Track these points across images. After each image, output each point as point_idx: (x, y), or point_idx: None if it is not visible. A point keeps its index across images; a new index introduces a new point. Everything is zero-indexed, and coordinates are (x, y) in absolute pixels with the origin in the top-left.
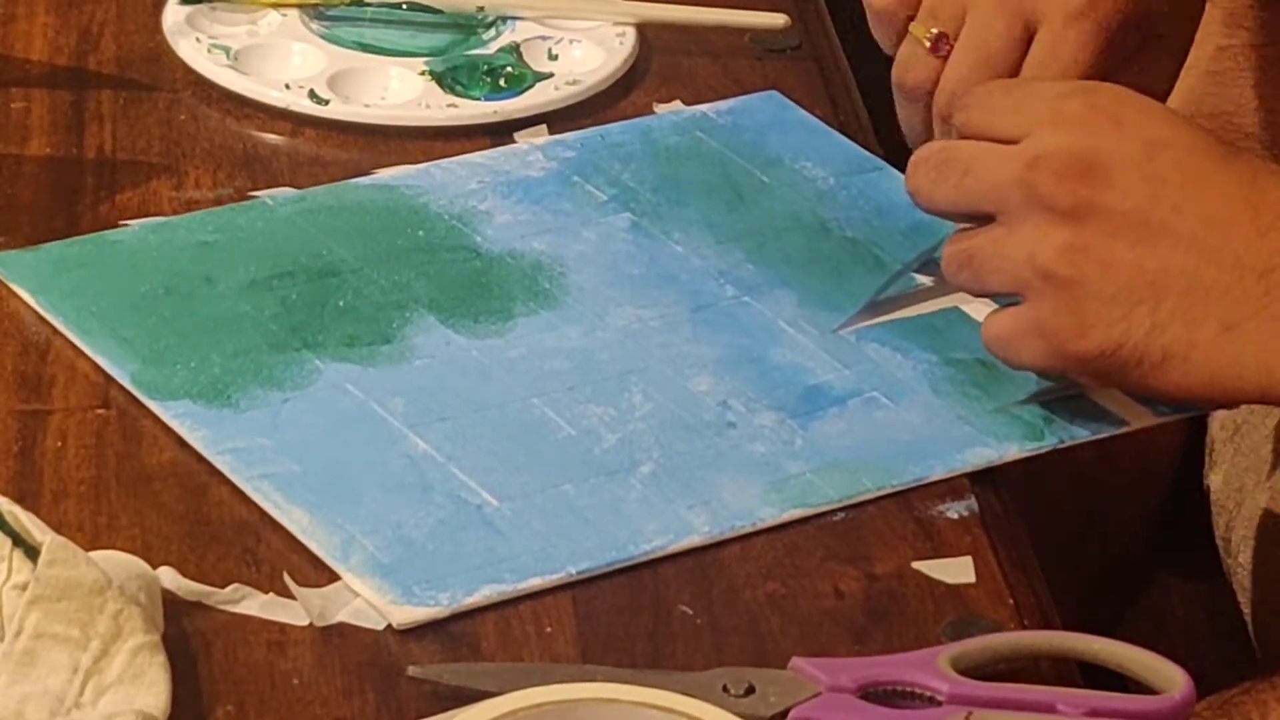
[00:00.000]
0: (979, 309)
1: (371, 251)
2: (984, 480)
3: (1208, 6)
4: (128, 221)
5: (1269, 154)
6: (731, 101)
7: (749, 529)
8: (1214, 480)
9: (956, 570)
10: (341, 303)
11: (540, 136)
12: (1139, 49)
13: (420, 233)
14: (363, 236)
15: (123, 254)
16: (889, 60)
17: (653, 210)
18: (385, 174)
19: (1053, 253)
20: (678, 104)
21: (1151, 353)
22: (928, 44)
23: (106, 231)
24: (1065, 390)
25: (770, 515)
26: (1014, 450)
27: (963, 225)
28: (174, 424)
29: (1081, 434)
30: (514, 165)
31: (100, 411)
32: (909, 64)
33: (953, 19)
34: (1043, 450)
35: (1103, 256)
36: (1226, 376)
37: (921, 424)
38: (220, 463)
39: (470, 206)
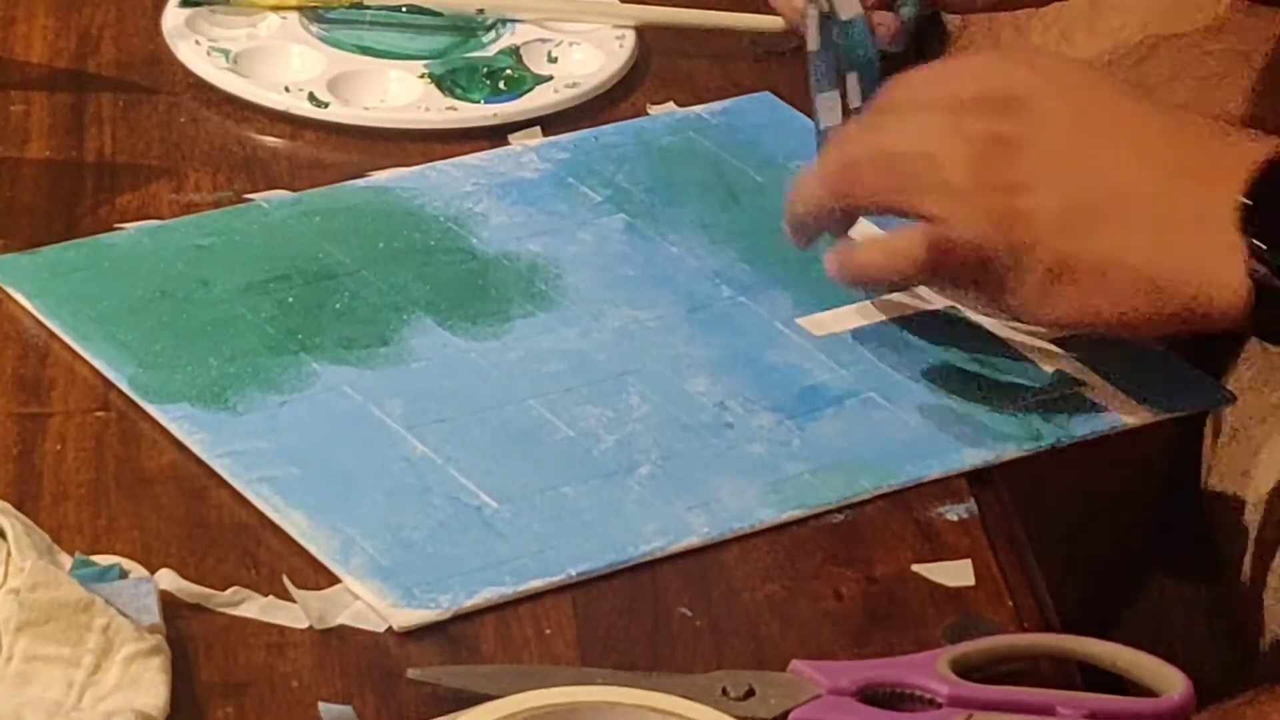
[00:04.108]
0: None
1: (367, 254)
2: (983, 483)
3: (1191, 12)
4: (123, 225)
5: None
6: (724, 102)
7: (748, 530)
8: (1210, 486)
9: (956, 573)
10: (338, 305)
11: (534, 138)
12: None
13: (416, 235)
14: (359, 239)
15: (119, 258)
16: (886, 60)
17: (647, 211)
18: (380, 176)
19: (987, 177)
20: (671, 105)
21: (1085, 263)
22: None
23: (102, 235)
24: (1062, 389)
25: (769, 516)
26: (1011, 450)
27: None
28: (172, 427)
29: (1079, 433)
30: (509, 167)
31: (99, 414)
32: None
33: None
34: (1040, 450)
35: (1035, 182)
36: (1160, 281)
37: (918, 424)
38: (219, 466)
39: (466, 208)
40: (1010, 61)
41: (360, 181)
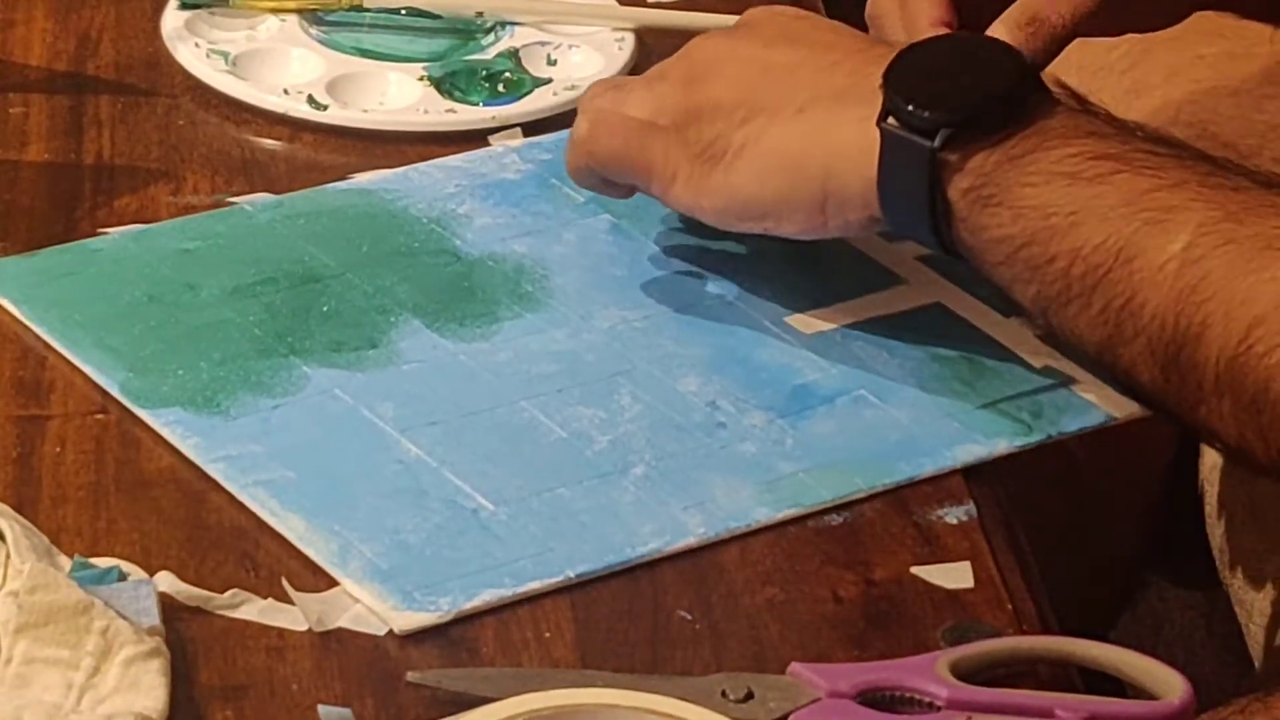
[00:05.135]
0: (963, 305)
1: (352, 256)
2: (982, 485)
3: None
4: (106, 230)
5: (1247, 164)
6: None
7: (744, 529)
8: (1209, 493)
9: (955, 575)
10: (326, 308)
11: (515, 139)
12: None
13: (400, 237)
14: (343, 241)
15: (104, 262)
16: None
17: (632, 211)
18: (363, 178)
19: (688, 89)
20: None
21: (732, 144)
22: None
23: (87, 240)
24: (1052, 385)
25: (765, 515)
26: (1003, 446)
27: None
28: (165, 432)
29: (1070, 428)
30: (490, 168)
31: (99, 417)
32: None
33: None
34: (1031, 445)
35: (723, 85)
36: (792, 157)
37: (910, 422)
38: (214, 470)
39: (449, 210)
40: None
41: (343, 184)
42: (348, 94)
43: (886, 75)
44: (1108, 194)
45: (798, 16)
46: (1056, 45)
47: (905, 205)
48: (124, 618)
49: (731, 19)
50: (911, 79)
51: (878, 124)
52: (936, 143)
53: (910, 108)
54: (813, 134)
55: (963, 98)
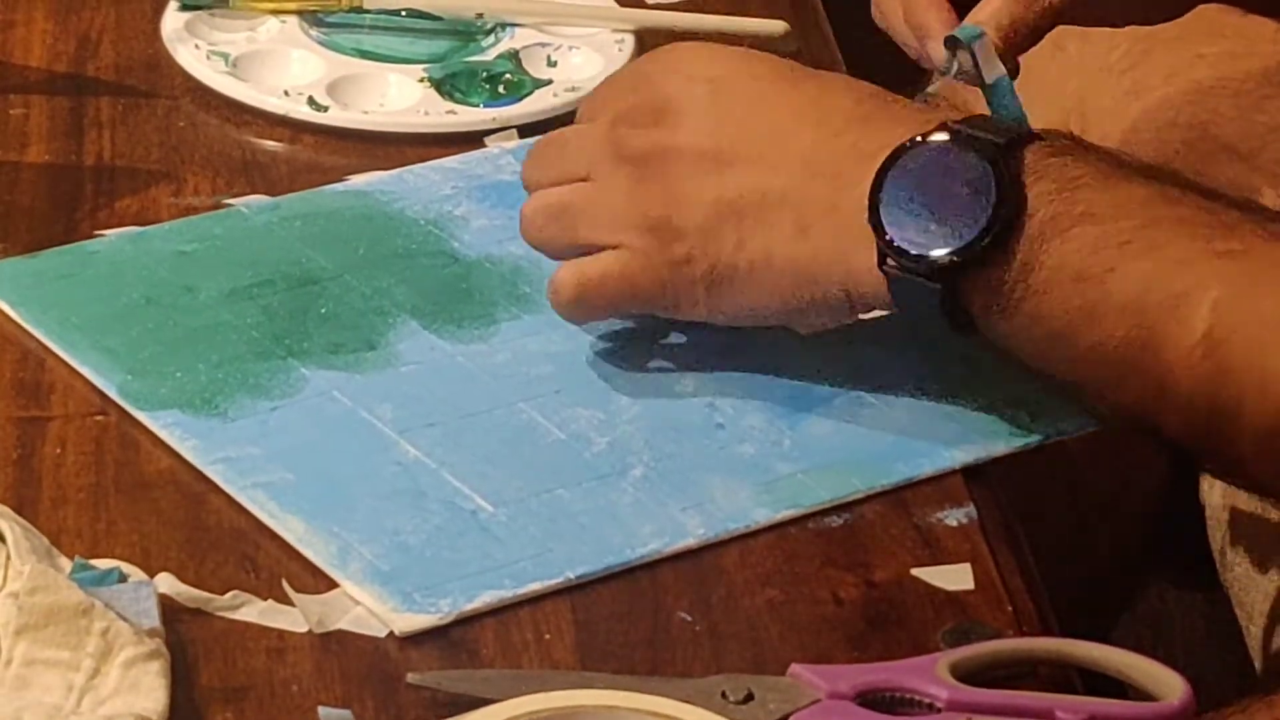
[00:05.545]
0: None
1: (349, 258)
2: (983, 487)
3: (1189, 15)
4: (103, 232)
5: (1246, 165)
6: None
7: (743, 530)
8: (1209, 496)
9: (955, 577)
10: (324, 310)
11: (510, 140)
12: None
13: (397, 240)
14: (339, 243)
15: (102, 265)
16: (887, 66)
17: None
18: (359, 180)
19: (640, 198)
20: None
21: (739, 268)
22: None
23: (84, 242)
24: (1050, 387)
25: (764, 516)
26: (1001, 447)
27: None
28: (163, 434)
29: (1067, 430)
30: (486, 170)
31: (99, 418)
32: None
33: None
34: (1029, 447)
35: (684, 194)
36: (808, 275)
37: (908, 423)
38: (212, 472)
39: (445, 211)
40: (661, 64)
41: (339, 186)
42: (348, 95)
43: (871, 217)
44: (1120, 286)
45: (711, 82)
46: (1051, 17)
47: (927, 320)
48: (124, 619)
49: (733, 20)
50: (898, 219)
51: (879, 268)
52: (940, 284)
53: (905, 257)
54: (825, 261)
55: (954, 232)
